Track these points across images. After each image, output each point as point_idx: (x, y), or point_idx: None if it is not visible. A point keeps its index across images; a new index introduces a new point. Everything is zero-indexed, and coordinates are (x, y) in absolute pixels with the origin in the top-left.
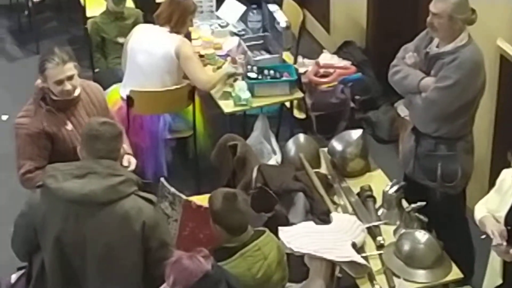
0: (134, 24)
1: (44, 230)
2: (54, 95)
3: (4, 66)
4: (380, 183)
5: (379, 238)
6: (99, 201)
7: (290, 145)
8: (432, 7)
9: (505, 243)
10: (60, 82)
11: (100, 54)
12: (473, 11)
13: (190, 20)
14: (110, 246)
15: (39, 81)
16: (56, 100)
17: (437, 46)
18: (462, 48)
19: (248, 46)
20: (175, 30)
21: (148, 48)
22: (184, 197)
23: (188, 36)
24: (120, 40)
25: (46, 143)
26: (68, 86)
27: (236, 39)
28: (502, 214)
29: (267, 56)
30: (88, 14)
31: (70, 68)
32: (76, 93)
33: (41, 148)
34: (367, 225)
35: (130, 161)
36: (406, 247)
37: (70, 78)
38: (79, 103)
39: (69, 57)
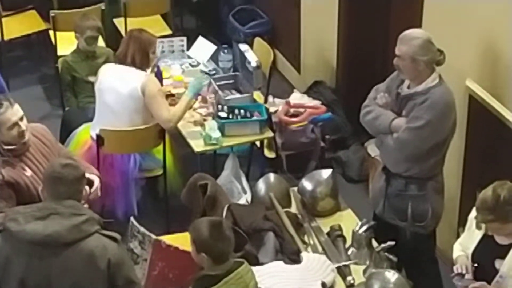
0: (105, 63)
1: (6, 274)
2: (6, 145)
3: None
4: (350, 222)
5: (349, 278)
6: (63, 242)
7: (260, 184)
8: (396, 49)
9: (468, 276)
10: (14, 125)
11: (71, 93)
12: (441, 52)
13: (153, 53)
14: (76, 286)
15: None
16: (10, 149)
17: (408, 87)
18: (433, 88)
19: (218, 86)
20: (138, 66)
21: (115, 88)
22: (153, 236)
23: (159, 74)
24: (91, 79)
25: (10, 192)
26: (22, 126)
27: (197, 78)
28: (469, 251)
29: (238, 95)
30: (59, 52)
31: (18, 109)
32: (27, 135)
33: (6, 198)
34: (337, 265)
35: (92, 179)
36: (376, 286)
37: (21, 118)
38: (31, 147)
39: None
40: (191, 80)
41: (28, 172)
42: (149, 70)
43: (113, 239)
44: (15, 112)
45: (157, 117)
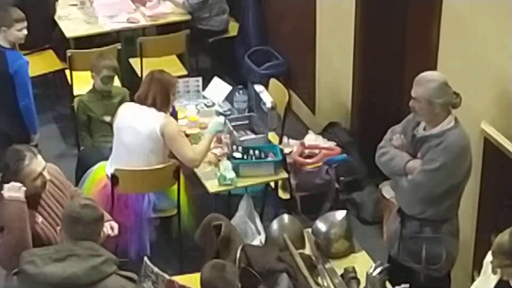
0: (121, 102)
1: None
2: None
3: None
4: (364, 264)
5: None
6: (81, 283)
7: (275, 225)
8: (412, 91)
9: None
10: (39, 175)
11: (86, 132)
12: (457, 95)
13: (173, 95)
14: None
15: None
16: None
17: (424, 129)
18: (449, 131)
19: (233, 126)
20: (159, 107)
21: (134, 127)
22: (167, 276)
23: (174, 115)
24: (107, 118)
25: None
26: (46, 176)
27: (221, 119)
28: None
29: (253, 136)
30: (75, 92)
31: (42, 158)
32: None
33: None
34: None
35: (112, 226)
36: None
37: (44, 168)
38: (44, 192)
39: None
40: (213, 120)
41: (39, 219)
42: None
43: (131, 279)
44: (40, 162)
45: (181, 157)
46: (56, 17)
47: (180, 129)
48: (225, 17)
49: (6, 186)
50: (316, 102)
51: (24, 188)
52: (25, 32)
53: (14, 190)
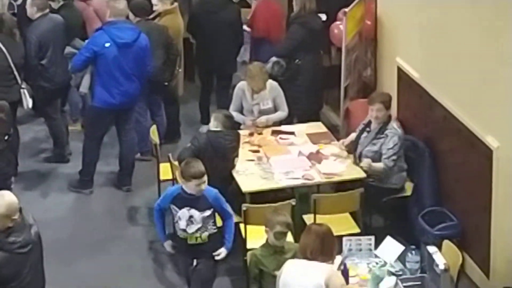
0: (293, 258)
1: None
2: None
3: None
4: None
5: None
6: None
7: None
8: None
9: None
10: None
11: (257, 286)
12: None
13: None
14: None
15: None
16: None
17: None
18: None
19: (405, 287)
20: (323, 260)
21: (300, 281)
22: None
23: (345, 272)
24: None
25: None
26: None
27: (393, 279)
28: None
29: None
30: (248, 245)
31: None
32: None
33: None
34: None
35: None
36: None
37: None
38: None
39: None
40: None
41: None
42: (333, 262)
43: None
44: None
45: None
46: (234, 172)
47: (344, 284)
48: (404, 175)
49: None
50: (490, 266)
51: None
52: (203, 187)
53: None
